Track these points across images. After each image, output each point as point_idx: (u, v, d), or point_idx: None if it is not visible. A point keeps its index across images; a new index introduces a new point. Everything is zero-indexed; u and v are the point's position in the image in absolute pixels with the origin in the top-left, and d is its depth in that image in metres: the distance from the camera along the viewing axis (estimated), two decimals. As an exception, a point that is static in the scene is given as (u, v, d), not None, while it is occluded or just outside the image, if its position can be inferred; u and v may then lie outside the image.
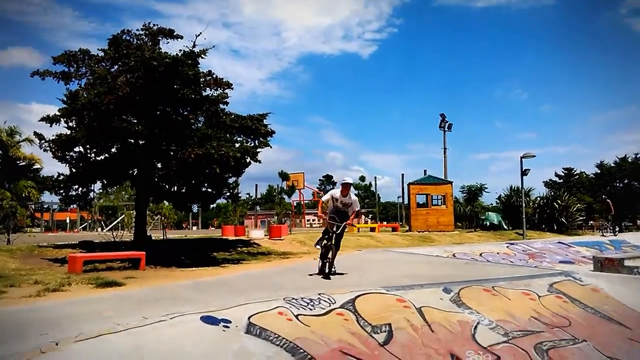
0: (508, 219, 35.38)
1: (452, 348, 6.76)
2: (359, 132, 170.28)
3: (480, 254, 17.77)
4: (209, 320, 6.13)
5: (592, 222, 33.70)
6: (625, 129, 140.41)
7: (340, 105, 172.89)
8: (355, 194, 10.99)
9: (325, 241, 10.50)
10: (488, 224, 34.07)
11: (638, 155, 56.86)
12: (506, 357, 6.71)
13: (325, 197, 10.70)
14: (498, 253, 18.30)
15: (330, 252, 10.44)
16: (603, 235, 26.13)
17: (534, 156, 29.79)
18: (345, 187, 10.37)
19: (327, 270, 10.44)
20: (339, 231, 10.22)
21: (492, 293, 9.05)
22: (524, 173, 30.10)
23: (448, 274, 10.88)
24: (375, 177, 61.26)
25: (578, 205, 36.39)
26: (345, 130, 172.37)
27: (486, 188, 40.16)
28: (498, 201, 40.94)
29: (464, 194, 40.13)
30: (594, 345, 7.56)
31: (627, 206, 54.66)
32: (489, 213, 36.18)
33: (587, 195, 48.37)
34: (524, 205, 30.45)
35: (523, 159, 29.71)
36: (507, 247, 19.66)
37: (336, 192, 10.51)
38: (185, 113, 16.28)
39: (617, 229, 27.00)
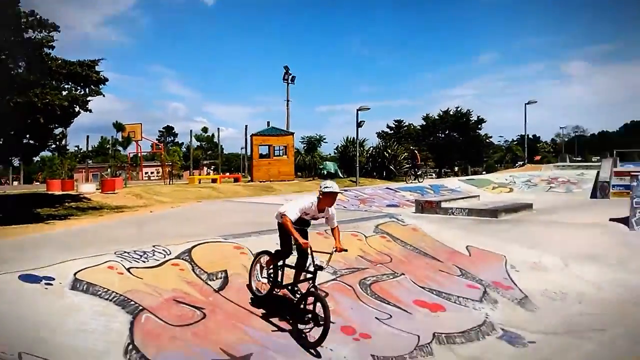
0: (344, 167, 37.48)
1: (285, 289, 7.09)
2: (203, 82, 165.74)
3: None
4: (29, 279, 5.73)
5: (416, 169, 36.95)
6: (449, 85, 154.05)
7: (183, 53, 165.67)
8: None
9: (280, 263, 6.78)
10: (326, 172, 35.76)
11: (458, 109, 63.10)
12: (334, 293, 7.23)
13: (292, 214, 6.33)
14: (333, 200, 19.24)
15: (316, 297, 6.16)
16: (406, 182, 28.46)
17: (369, 109, 31.69)
18: (330, 197, 6.41)
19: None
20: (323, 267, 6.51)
21: (325, 236, 9.54)
22: (359, 125, 31.90)
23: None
24: (218, 129, 60.18)
25: (405, 154, 39.59)
26: (188, 80, 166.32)
27: (325, 139, 42.08)
28: (336, 151, 43.02)
29: (304, 145, 41.58)
30: (410, 278, 8.44)
31: (447, 154, 60.79)
32: (327, 162, 38.02)
33: (414, 145, 52.70)
34: (357, 154, 32.39)
35: (359, 111, 31.43)
36: (341, 193, 20.70)
37: (308, 203, 6.48)
38: (4, 57, 14.42)
39: (422, 175, 29.57)
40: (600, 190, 23.58)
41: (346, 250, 6.47)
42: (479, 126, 63.57)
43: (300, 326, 6.26)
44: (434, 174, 55.03)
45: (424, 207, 17.52)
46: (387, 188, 23.56)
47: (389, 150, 38.93)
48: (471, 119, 62.86)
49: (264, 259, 7.03)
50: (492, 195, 23.74)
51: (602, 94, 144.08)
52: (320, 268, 6.29)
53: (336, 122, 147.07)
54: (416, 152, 31.13)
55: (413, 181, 27.71)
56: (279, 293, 6.78)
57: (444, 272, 9.17)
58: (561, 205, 19.17)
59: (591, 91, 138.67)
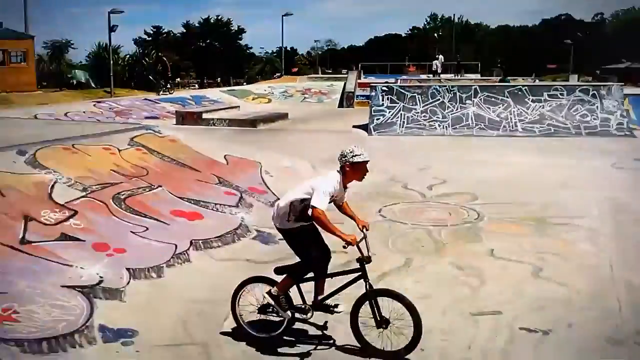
0: (97, 77, 34.65)
1: (26, 210, 6.47)
2: None
3: (66, 114, 17.13)
4: None
5: (178, 79, 36.01)
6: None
7: None
8: None
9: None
10: (75, 82, 32.80)
11: (219, 17, 62.22)
12: (84, 210, 6.84)
13: (324, 204, 4.46)
14: (84, 112, 18.04)
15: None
16: (159, 93, 27.46)
17: (122, 12, 29.59)
18: (361, 169, 4.63)
19: None
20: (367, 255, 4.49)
21: (72, 151, 8.92)
22: (111, 29, 29.59)
23: (27, 136, 10.09)
24: None
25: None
26: None
27: (73, 44, 38.19)
28: (88, 59, 39.56)
29: (49, 51, 37.23)
30: (167, 189, 8.41)
31: (210, 65, 60.16)
32: (76, 71, 34.89)
33: (175, 54, 50.82)
34: (111, 63, 30.18)
35: (111, 14, 29.01)
36: (94, 105, 19.51)
37: (334, 182, 4.60)
38: None
39: (172, 86, 29.16)
40: (346, 100, 26.17)
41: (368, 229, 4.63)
42: (240, 36, 63.91)
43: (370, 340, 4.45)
44: (196, 85, 54.19)
45: (185, 118, 17.38)
46: (145, 99, 22.65)
47: (148, 59, 36.97)
48: (232, 28, 62.69)
49: (264, 288, 4.82)
50: (252, 106, 24.54)
51: (352, 11, 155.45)
52: (369, 260, 4.50)
53: (92, 27, 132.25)
54: (166, 60, 30.25)
55: (164, 92, 26.94)
56: (303, 319, 4.78)
57: (202, 182, 9.33)
58: (313, 115, 20.83)
59: (343, 7, 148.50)
